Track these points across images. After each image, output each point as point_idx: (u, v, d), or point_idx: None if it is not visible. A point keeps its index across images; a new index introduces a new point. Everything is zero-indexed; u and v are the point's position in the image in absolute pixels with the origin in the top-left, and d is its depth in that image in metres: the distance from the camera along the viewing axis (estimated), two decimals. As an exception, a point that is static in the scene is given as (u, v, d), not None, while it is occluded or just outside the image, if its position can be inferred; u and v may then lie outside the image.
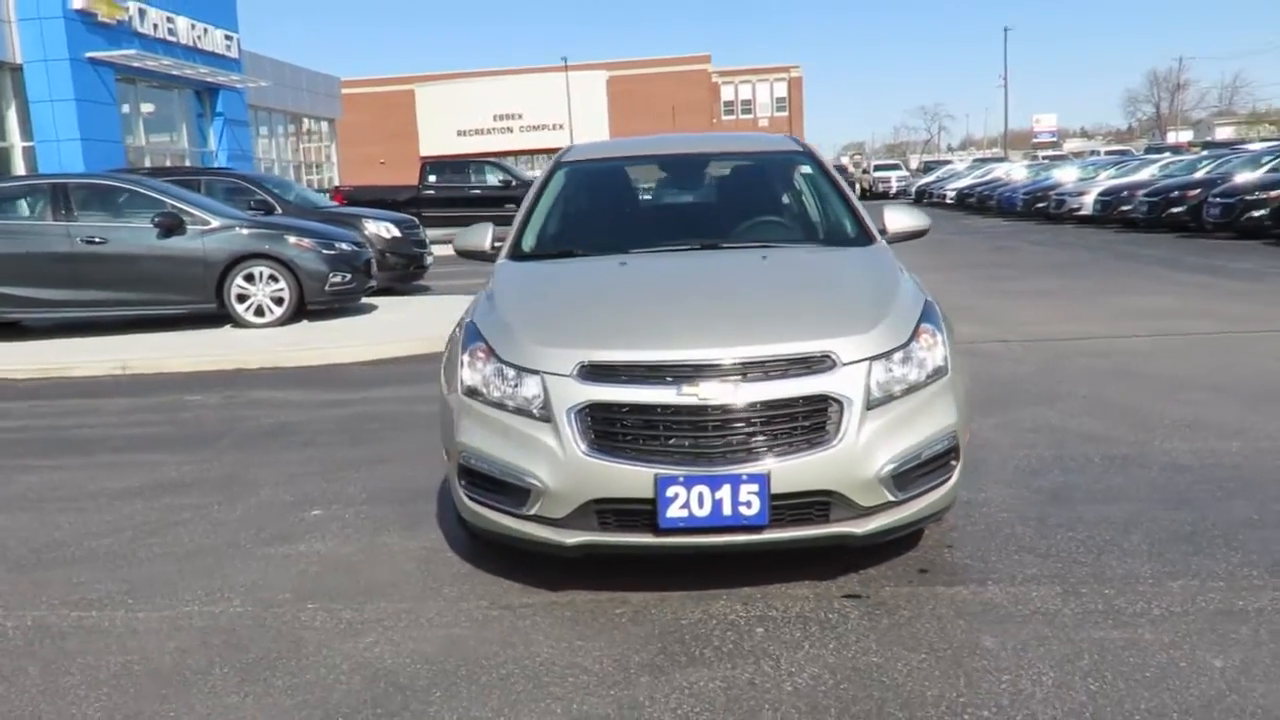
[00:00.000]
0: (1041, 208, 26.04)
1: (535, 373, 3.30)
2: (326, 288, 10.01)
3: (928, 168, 52.96)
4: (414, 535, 4.11)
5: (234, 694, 2.89)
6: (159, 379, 8.00)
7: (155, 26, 23.37)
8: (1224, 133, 73.59)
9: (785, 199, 4.92)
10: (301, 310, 10.06)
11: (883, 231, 4.45)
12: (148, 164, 22.70)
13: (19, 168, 21.07)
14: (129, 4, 22.39)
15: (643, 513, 3.16)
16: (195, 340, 9.29)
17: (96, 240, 9.66)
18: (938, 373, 3.40)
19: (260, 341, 8.98)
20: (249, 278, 9.83)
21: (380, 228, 12.97)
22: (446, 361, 3.80)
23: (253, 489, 4.86)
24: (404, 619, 3.32)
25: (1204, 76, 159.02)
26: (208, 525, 4.36)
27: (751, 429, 3.14)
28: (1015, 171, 35.25)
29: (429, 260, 13.99)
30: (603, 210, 4.88)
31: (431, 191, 23.12)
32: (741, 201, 4.88)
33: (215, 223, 9.90)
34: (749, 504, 3.09)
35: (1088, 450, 4.81)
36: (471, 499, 3.47)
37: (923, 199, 39.03)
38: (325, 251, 10.06)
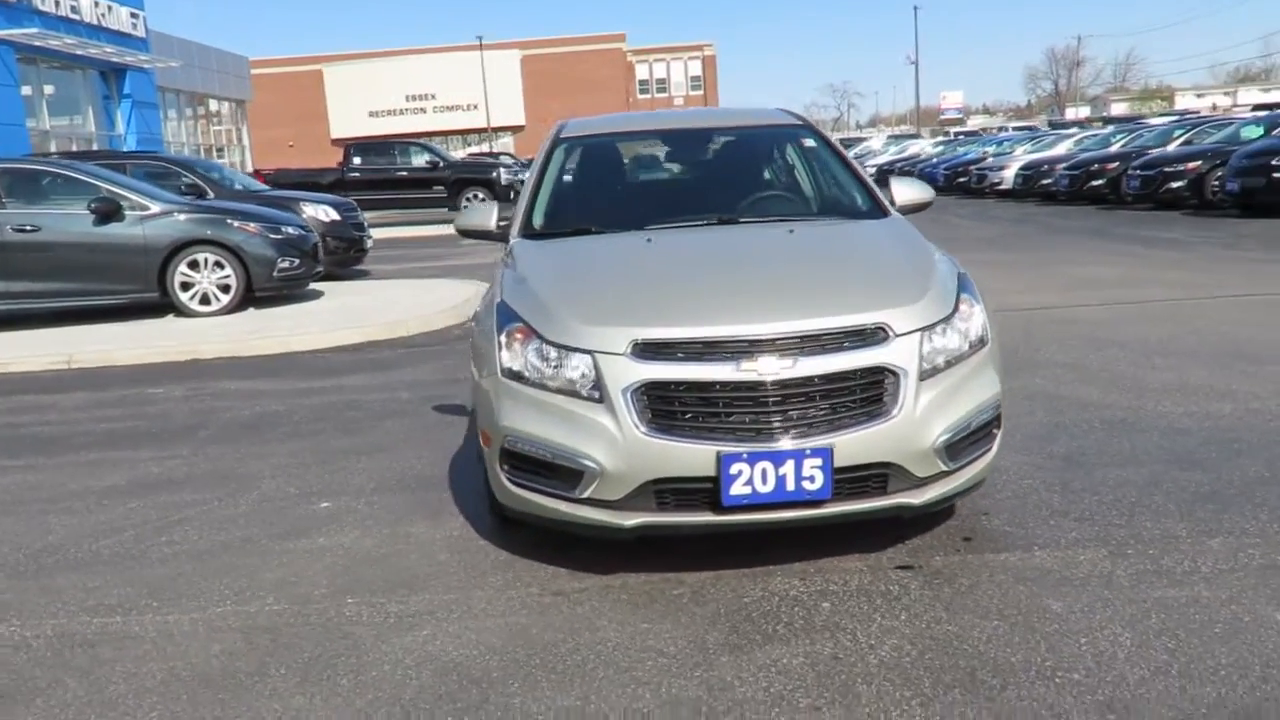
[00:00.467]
0: (962, 182, 26.62)
1: (585, 352, 3.22)
2: (275, 274, 9.69)
3: (845, 145, 53.68)
4: (438, 524, 4.00)
5: (298, 694, 2.77)
6: (109, 372, 7.65)
7: (57, 3, 22.35)
8: (1119, 108, 76.22)
9: (794, 172, 4.90)
10: (248, 298, 9.73)
11: (891, 203, 4.46)
12: (54, 149, 21.69)
13: (-86, 154, 19.92)
14: (28, -20, 21.33)
15: (702, 491, 3.12)
16: (140, 331, 8.91)
17: (28, 229, 9.18)
18: (980, 342, 3.43)
19: (212, 330, 8.65)
20: (193, 265, 9.46)
21: (319, 211, 12.61)
22: (476, 344, 3.70)
23: (251, 483, 4.67)
24: (455, 610, 3.23)
25: (1100, 54, 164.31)
26: (214, 522, 4.18)
27: (811, 403, 3.11)
28: (928, 148, 36.03)
29: (369, 244, 13.67)
30: (612, 186, 4.80)
31: (356, 174, 22.62)
32: (751, 175, 4.84)
33: (155, 208, 9.50)
34: (812, 478, 3.07)
35: (1087, 416, 4.92)
36: (515, 483, 3.38)
37: (843, 176, 39.39)
38: (272, 236, 9.74)
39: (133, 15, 25.76)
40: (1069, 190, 20.65)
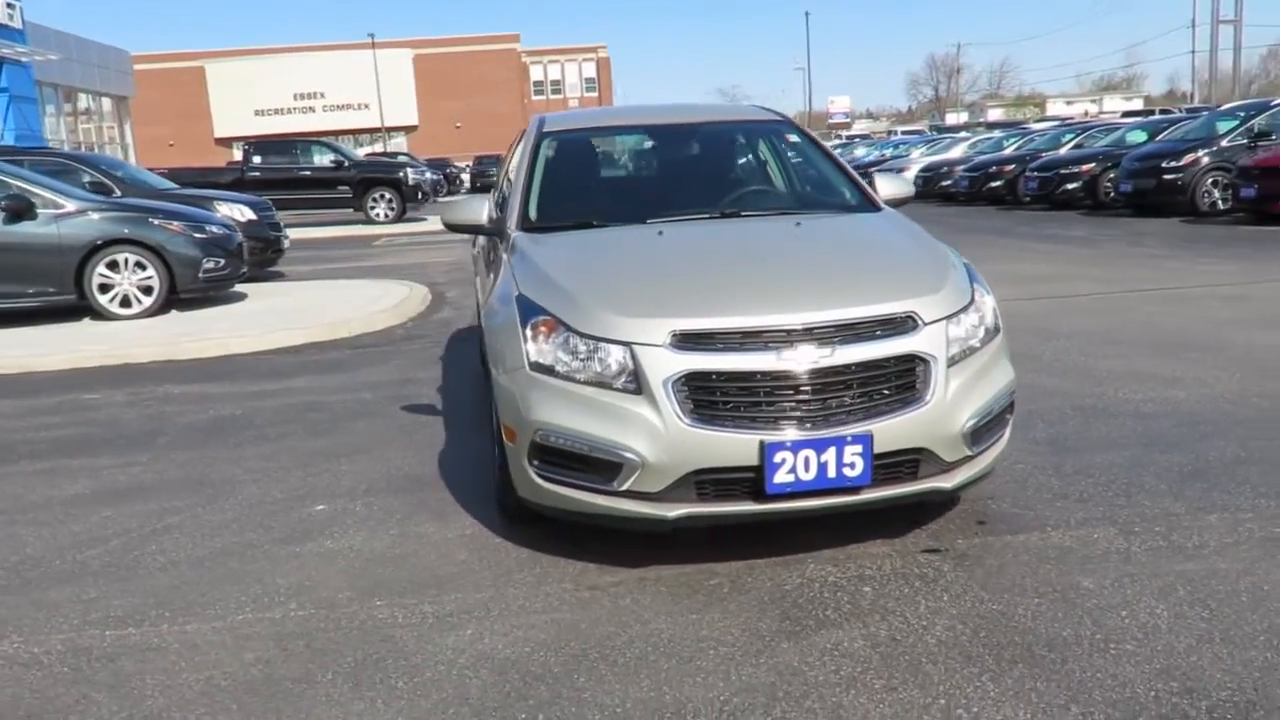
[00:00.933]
0: (863, 184, 27.27)
1: (621, 344, 3.20)
2: (200, 274, 9.31)
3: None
4: (446, 524, 3.92)
5: (356, 700, 2.68)
6: (33, 379, 7.23)
7: (-73, -8, 21.00)
8: (995, 114, 79.27)
9: (783, 167, 4.96)
10: (171, 300, 9.34)
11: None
12: (-74, 146, 20.38)
13: None
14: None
15: (743, 480, 3.15)
16: (60, 335, 8.46)
17: (-69, 228, 8.62)
18: (995, 330, 3.54)
19: (139, 334, 8.27)
20: (112, 265, 9.02)
21: (234, 210, 12.17)
22: (492, 339, 3.64)
23: (230, 488, 4.49)
24: (493, 608, 3.17)
25: (977, 61, 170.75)
26: (204, 528, 4.01)
27: (849, 391, 3.17)
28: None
29: (285, 244, 13.28)
30: (607, 180, 4.78)
31: (256, 173, 21.87)
32: (742, 170, 4.89)
33: (70, 206, 9.02)
34: (853, 465, 3.12)
35: (1057, 404, 5.11)
36: (545, 478, 3.34)
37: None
38: (197, 235, 9.36)
39: (9, 6, 24.44)
40: (968, 191, 21.42)
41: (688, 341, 3.16)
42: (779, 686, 2.63)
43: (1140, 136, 18.92)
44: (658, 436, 3.11)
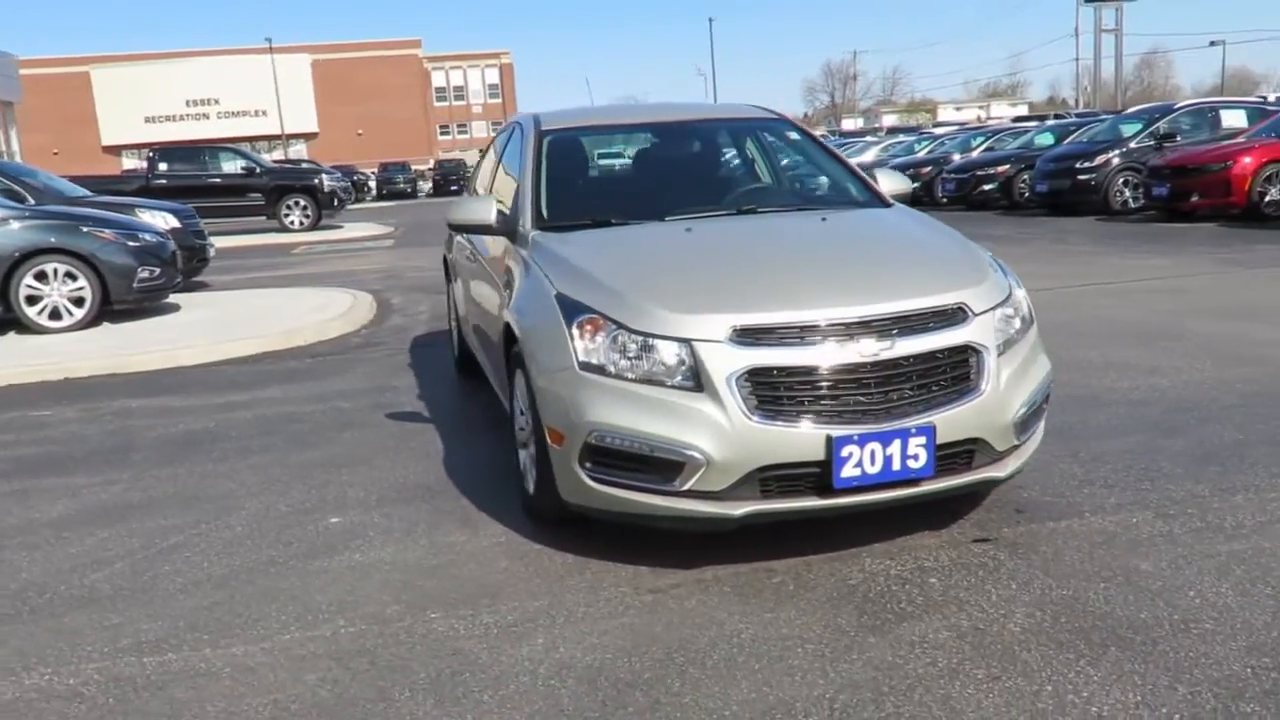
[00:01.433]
0: (779, 187, 27.65)
1: (680, 340, 3.14)
2: (135, 284, 8.88)
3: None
4: (475, 532, 3.79)
5: (444, 717, 2.56)
6: (-33, 396, 6.79)
7: None
8: (889, 119, 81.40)
9: (788, 163, 4.95)
10: (104, 312, 8.89)
11: (880, 194, 4.59)
12: None
13: None
14: None
15: (808, 476, 3.12)
16: (-15, 350, 7.96)
17: None
18: (1029, 321, 3.59)
19: (74, 347, 7.84)
20: (40, 276, 8.55)
21: (157, 218, 11.66)
22: (531, 340, 3.52)
23: (230, 503, 4.27)
24: (556, 616, 3.07)
25: (871, 69, 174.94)
26: (215, 546, 3.80)
27: (909, 383, 3.17)
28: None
29: (211, 253, 12.78)
30: (615, 178, 4.71)
31: (163, 181, 21.06)
32: (748, 166, 4.86)
33: (-8, 214, 8.52)
34: (916, 457, 3.12)
35: (1054, 394, 5.19)
36: (598, 480, 3.26)
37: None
38: (130, 244, 8.92)
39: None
40: (885, 194, 21.84)
41: (747, 337, 3.12)
42: (881, 681, 2.60)
43: (1048, 139, 19.61)
44: (723, 434, 3.06)
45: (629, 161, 4.94)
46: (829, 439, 3.05)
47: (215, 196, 21.23)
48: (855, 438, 3.05)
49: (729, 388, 3.07)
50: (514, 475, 4.04)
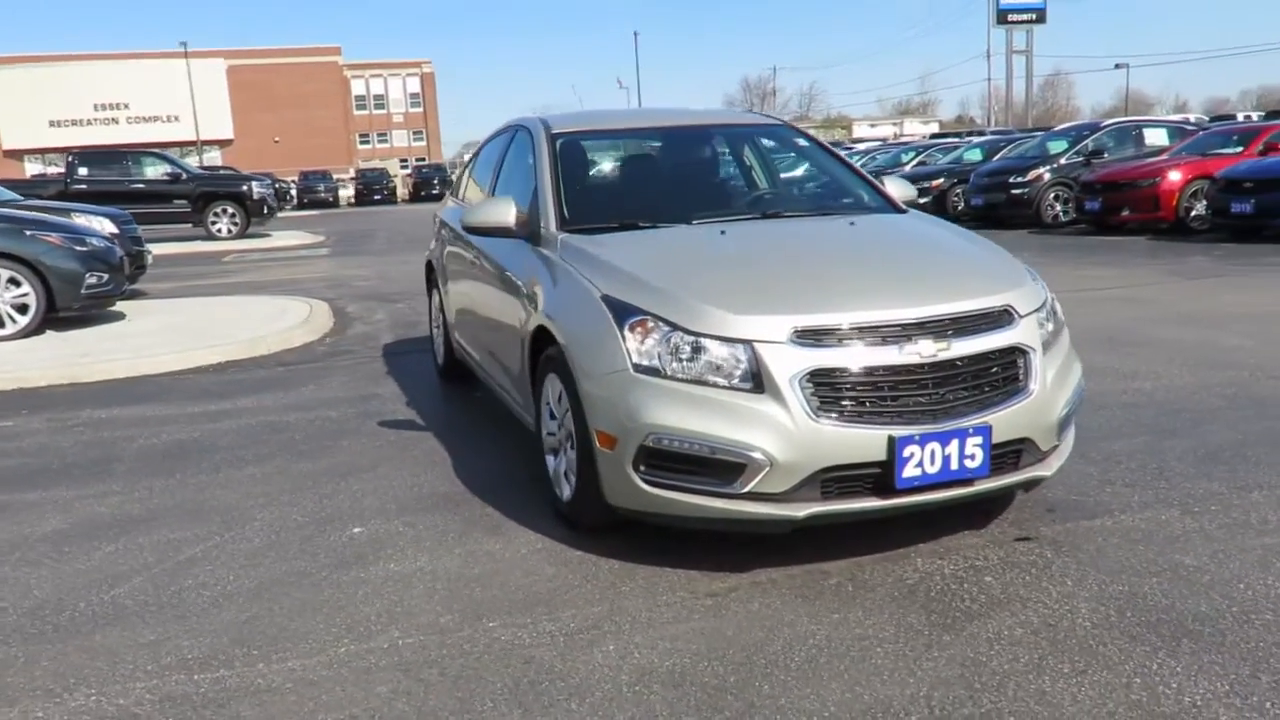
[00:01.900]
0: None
1: (740, 342, 3.13)
2: (83, 291, 8.52)
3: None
4: (510, 540, 3.71)
5: (535, 726, 2.49)
6: (-87, 408, 6.43)
7: None
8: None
9: (802, 169, 4.98)
10: (48, 319, 8.51)
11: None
12: None
13: None
14: None
15: (869, 476, 3.13)
16: (-75, 360, 7.54)
17: None
18: (1062, 324, 3.67)
19: (23, 356, 7.48)
20: (-19, 282, 8.15)
21: (94, 222, 11.22)
22: (576, 344, 3.46)
23: (239, 514, 4.11)
24: (624, 622, 3.02)
25: (788, 84, 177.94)
26: (237, 558, 3.65)
27: (964, 383, 3.20)
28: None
29: (149, 259, 12.36)
30: (634, 181, 4.66)
31: (83, 185, 20.28)
32: (761, 171, 4.87)
33: (-73, 218, 8.09)
34: (973, 456, 3.16)
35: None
36: (652, 483, 3.22)
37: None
38: (78, 249, 8.57)
39: None
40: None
41: (808, 338, 3.12)
42: (971, 678, 2.61)
43: (977, 155, 20.17)
44: (787, 435, 3.05)
45: (643, 165, 4.91)
46: (891, 439, 3.06)
47: (138, 203, 20.43)
48: (916, 438, 3.07)
49: (793, 389, 3.06)
50: (541, 482, 3.97)
